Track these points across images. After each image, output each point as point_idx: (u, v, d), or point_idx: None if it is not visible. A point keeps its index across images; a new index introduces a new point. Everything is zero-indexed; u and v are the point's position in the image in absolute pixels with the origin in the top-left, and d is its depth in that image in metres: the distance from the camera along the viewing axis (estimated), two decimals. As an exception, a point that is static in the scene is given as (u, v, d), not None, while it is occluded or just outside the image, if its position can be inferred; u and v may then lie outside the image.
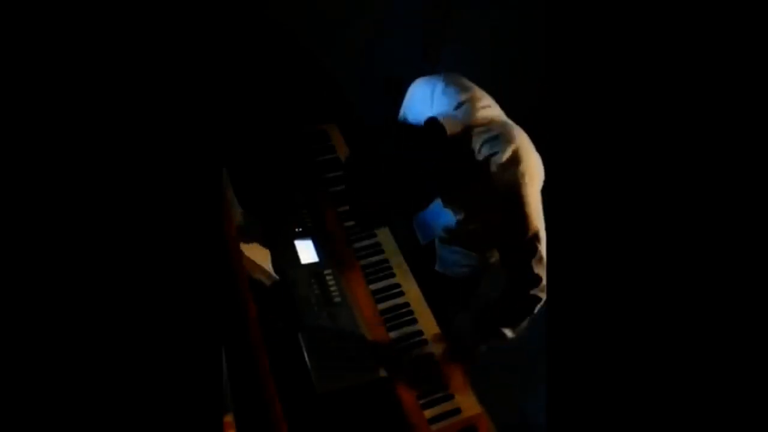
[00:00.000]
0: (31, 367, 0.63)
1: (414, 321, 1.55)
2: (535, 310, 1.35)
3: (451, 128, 1.24)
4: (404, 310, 1.58)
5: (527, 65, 1.32)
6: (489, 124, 1.28)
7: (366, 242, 1.72)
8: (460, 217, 1.40)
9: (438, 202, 1.55)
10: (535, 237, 1.25)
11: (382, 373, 1.40)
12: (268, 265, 1.48)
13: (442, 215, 1.52)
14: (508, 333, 1.39)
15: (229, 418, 0.91)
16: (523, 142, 1.25)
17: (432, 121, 1.24)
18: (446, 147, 1.23)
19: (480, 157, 1.24)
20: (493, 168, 1.22)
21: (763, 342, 0.61)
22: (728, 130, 0.62)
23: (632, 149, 0.68)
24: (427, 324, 1.55)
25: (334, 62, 2.23)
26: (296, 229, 1.68)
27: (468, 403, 1.40)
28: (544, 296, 1.32)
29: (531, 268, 1.28)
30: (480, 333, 1.43)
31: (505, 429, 1.48)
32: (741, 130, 0.62)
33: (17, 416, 0.61)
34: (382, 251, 1.70)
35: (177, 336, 0.68)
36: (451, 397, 1.41)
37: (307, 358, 1.38)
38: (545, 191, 1.24)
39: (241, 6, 1.95)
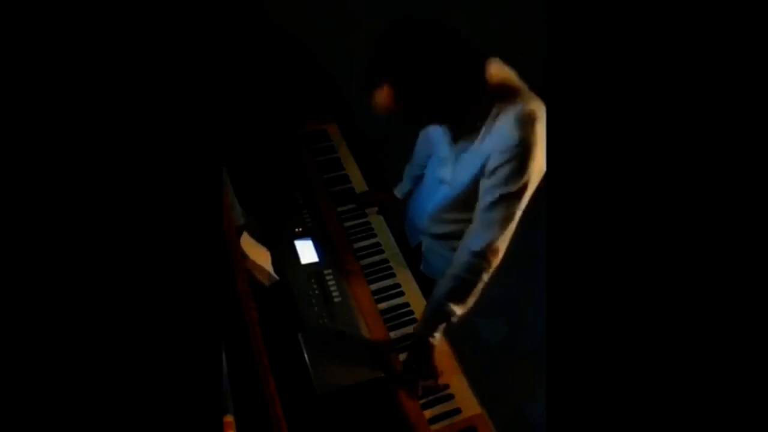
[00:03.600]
0: (31, 367, 0.63)
1: (414, 321, 1.55)
2: (483, 278, 1.32)
3: (490, 68, 1.23)
4: (404, 310, 1.58)
5: (528, 65, 1.32)
6: (513, 81, 1.28)
7: (366, 242, 1.73)
8: (461, 154, 1.37)
9: (425, 188, 1.56)
10: (517, 196, 1.25)
11: (382, 373, 1.40)
12: (268, 265, 1.48)
13: (428, 199, 1.53)
14: (456, 309, 1.34)
15: (229, 418, 0.91)
16: (543, 108, 1.24)
17: (476, 50, 1.21)
18: (481, 82, 1.22)
19: (501, 107, 1.24)
20: (514, 114, 1.21)
21: (763, 342, 0.61)
22: (728, 130, 0.62)
23: (632, 149, 0.68)
24: (427, 324, 1.55)
25: (334, 62, 2.23)
26: (296, 229, 1.68)
27: (468, 403, 1.40)
28: (494, 262, 1.31)
29: (497, 225, 1.27)
30: (428, 315, 1.39)
31: (505, 429, 1.47)
32: (741, 130, 0.62)
33: (17, 416, 0.61)
34: (382, 251, 1.71)
35: (177, 336, 0.68)
36: (451, 397, 1.41)
37: (307, 358, 1.38)
38: (545, 191, 1.24)
39: (240, 6, 1.95)
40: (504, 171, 1.23)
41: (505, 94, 1.24)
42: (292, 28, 2.14)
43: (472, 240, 1.32)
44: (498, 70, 1.27)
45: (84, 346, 0.64)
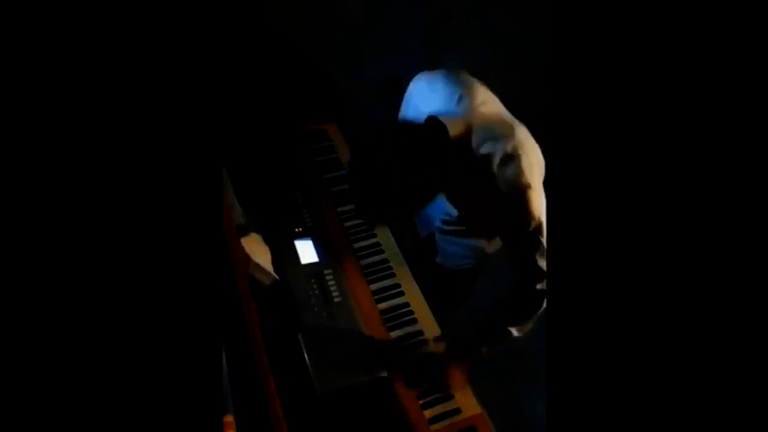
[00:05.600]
0: (31, 367, 0.63)
1: (414, 321, 1.55)
2: (543, 305, 1.33)
3: (452, 128, 1.24)
4: (404, 310, 1.58)
5: (527, 66, 1.32)
6: (488, 119, 1.28)
7: (366, 242, 1.73)
8: (462, 210, 1.40)
9: (437, 203, 1.56)
10: (538, 229, 1.25)
11: (382, 373, 1.40)
12: (268, 265, 1.48)
13: (441, 205, 1.53)
14: (515, 332, 1.37)
15: (229, 418, 0.90)
16: (521, 135, 1.25)
17: (433, 120, 1.23)
18: (447, 148, 1.23)
19: (480, 153, 1.24)
20: (494, 163, 1.22)
21: (763, 342, 0.61)
22: (728, 130, 0.62)
23: (632, 149, 0.68)
24: (427, 324, 1.55)
25: (334, 62, 2.23)
26: (296, 229, 1.68)
27: (468, 403, 1.40)
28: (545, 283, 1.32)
29: (536, 261, 1.28)
30: (486, 334, 1.42)
31: (505, 429, 1.47)
32: (741, 130, 0.62)
33: (17, 416, 0.61)
34: (382, 251, 1.71)
35: (177, 336, 0.68)
36: (451, 397, 1.41)
37: (307, 358, 1.38)
38: (546, 191, 1.25)
39: (240, 6, 1.95)
40: (514, 220, 1.25)
41: (477, 138, 1.25)
42: (292, 28, 2.14)
43: (520, 283, 1.33)
44: (462, 120, 1.27)
45: (84, 346, 0.64)
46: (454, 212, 1.47)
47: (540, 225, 1.25)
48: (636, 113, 0.67)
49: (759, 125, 0.61)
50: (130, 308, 0.66)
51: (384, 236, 1.75)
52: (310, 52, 2.20)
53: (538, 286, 1.30)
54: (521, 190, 1.21)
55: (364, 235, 1.75)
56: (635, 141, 0.67)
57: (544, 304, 1.34)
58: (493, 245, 1.57)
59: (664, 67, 0.65)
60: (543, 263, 1.28)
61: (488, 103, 1.31)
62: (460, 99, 1.29)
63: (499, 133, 1.25)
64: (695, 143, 0.64)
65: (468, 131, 1.26)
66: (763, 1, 0.60)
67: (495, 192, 1.24)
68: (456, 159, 1.25)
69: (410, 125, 1.30)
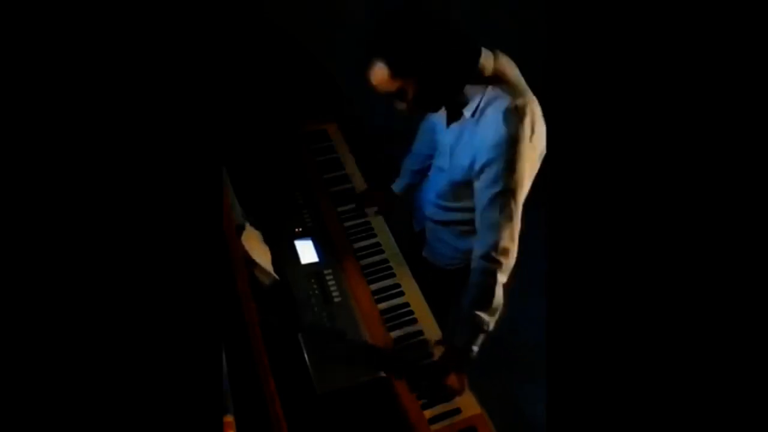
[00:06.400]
0: (31, 367, 0.63)
1: (414, 321, 1.55)
2: (498, 279, 1.32)
3: (484, 60, 1.25)
4: (404, 310, 1.58)
5: (527, 66, 1.32)
6: (514, 77, 1.29)
7: (366, 242, 1.73)
8: (454, 144, 1.39)
9: (431, 179, 1.57)
10: (512, 193, 1.24)
11: (382, 373, 1.40)
12: (268, 265, 1.48)
13: (432, 188, 1.55)
14: (484, 316, 1.35)
15: (229, 418, 0.90)
16: (534, 103, 1.25)
17: (471, 38, 1.23)
18: (474, 69, 1.23)
19: (495, 93, 1.24)
20: (501, 109, 1.21)
21: (763, 342, 0.61)
22: (728, 130, 0.62)
23: (632, 148, 0.68)
24: (427, 324, 1.55)
25: (334, 62, 2.23)
26: (296, 229, 1.68)
27: (468, 403, 1.40)
28: (505, 261, 1.31)
29: (499, 226, 1.27)
30: (462, 328, 1.40)
31: (505, 429, 1.47)
32: (741, 130, 0.62)
33: (17, 416, 0.61)
34: (382, 251, 1.71)
35: (177, 336, 0.68)
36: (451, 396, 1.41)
37: (307, 358, 1.38)
38: (545, 190, 1.24)
39: (240, 6, 1.95)
40: (493, 170, 1.24)
41: (497, 86, 1.25)
42: (292, 28, 2.14)
43: (478, 244, 1.33)
44: (495, 63, 1.28)
45: (84, 346, 0.64)
46: (446, 187, 1.47)
47: (515, 190, 1.24)
48: (636, 113, 0.67)
49: (759, 125, 0.61)
50: (130, 308, 0.66)
51: (384, 236, 1.75)
52: (310, 52, 2.20)
53: (492, 253, 1.29)
54: (515, 141, 1.20)
55: (364, 235, 1.75)
56: (635, 140, 0.67)
57: (500, 279, 1.32)
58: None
59: (664, 68, 0.65)
60: (504, 231, 1.27)
61: (514, 69, 1.32)
62: (495, 54, 1.30)
63: (517, 88, 1.25)
64: (695, 144, 0.64)
65: (497, 72, 1.26)
66: (763, 1, 0.60)
67: (491, 135, 1.23)
68: (474, 83, 1.25)
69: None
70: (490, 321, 1.37)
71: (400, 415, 1.35)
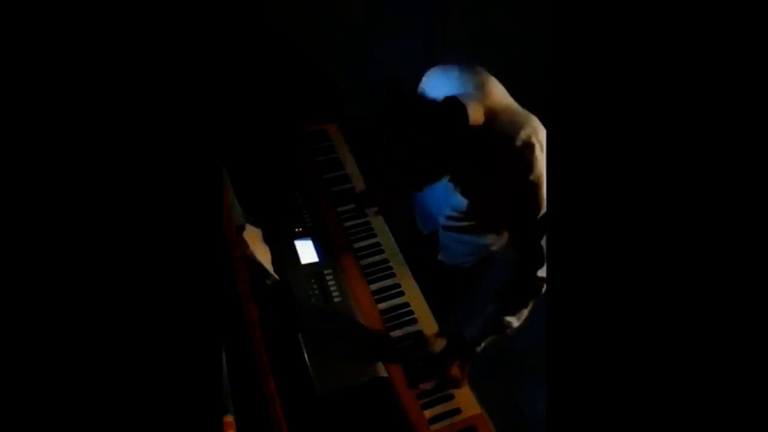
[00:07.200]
0: (31, 367, 0.63)
1: (414, 321, 1.55)
2: (542, 293, 1.34)
3: (472, 109, 1.21)
4: (404, 310, 1.58)
5: (527, 66, 1.32)
6: (509, 105, 1.28)
7: (366, 242, 1.73)
8: (470, 196, 1.39)
9: (439, 188, 1.56)
10: (544, 217, 1.26)
11: (382, 373, 1.40)
12: (268, 265, 1.48)
13: (445, 200, 1.52)
14: (513, 322, 1.37)
15: (229, 418, 0.90)
16: (536, 124, 1.25)
17: (452, 100, 1.17)
18: (464, 128, 1.19)
19: (497, 138, 1.23)
20: (512, 149, 1.21)
21: (763, 342, 0.61)
22: (728, 131, 0.62)
23: (632, 149, 0.68)
24: (427, 324, 1.55)
25: (334, 62, 2.23)
26: (296, 229, 1.68)
27: (468, 403, 1.40)
28: (543, 286, 1.33)
29: (541, 247, 1.28)
30: (484, 326, 1.41)
31: (505, 429, 1.47)
32: (741, 131, 0.62)
33: (17, 416, 0.61)
34: (382, 251, 1.71)
35: (177, 336, 0.68)
36: (451, 397, 1.41)
37: (307, 358, 1.38)
38: (546, 190, 1.25)
39: (240, 6, 1.95)
40: (525, 209, 1.24)
41: (494, 127, 1.24)
42: (292, 28, 2.14)
43: (521, 269, 1.33)
44: (485, 100, 1.25)
45: (84, 346, 0.64)
46: (462, 205, 1.47)
47: (545, 213, 1.25)
48: (636, 113, 0.67)
49: (759, 125, 0.61)
50: (130, 308, 0.66)
51: (384, 236, 1.75)
52: (310, 52, 2.20)
53: (539, 273, 1.30)
54: (537, 177, 1.21)
55: (364, 235, 1.75)
56: (635, 141, 0.67)
57: (543, 290, 1.34)
58: (499, 242, 1.56)
59: (664, 68, 0.65)
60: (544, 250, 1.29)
61: (503, 94, 1.31)
62: (478, 85, 1.27)
63: (518, 119, 1.24)
64: (695, 144, 0.64)
65: (489, 114, 1.24)
66: (763, 1, 0.60)
67: (509, 178, 1.23)
68: (471, 140, 1.23)
69: (427, 101, 1.23)
70: (516, 325, 1.38)
71: (400, 415, 1.35)
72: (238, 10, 1.94)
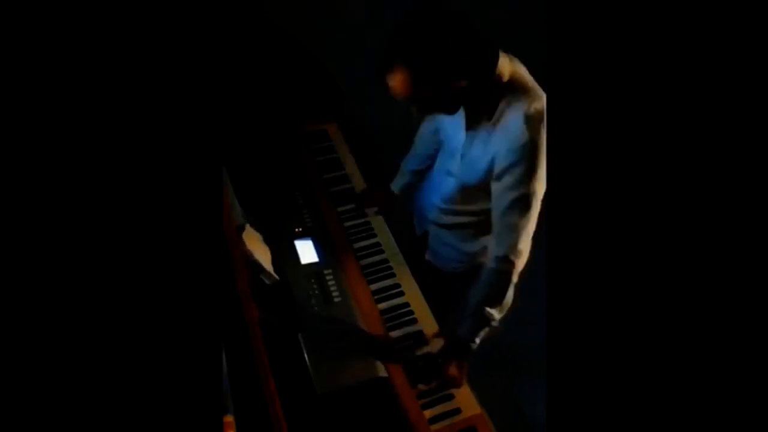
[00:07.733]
0: (31, 367, 0.63)
1: (414, 321, 1.55)
2: (512, 279, 1.34)
3: (503, 63, 1.24)
4: (404, 310, 1.58)
5: (527, 66, 1.32)
6: (530, 81, 1.29)
7: (366, 242, 1.73)
8: (469, 131, 1.38)
9: (436, 176, 1.56)
10: (532, 196, 1.26)
11: (382, 373, 1.40)
12: (268, 265, 1.48)
13: (437, 190, 1.54)
14: (495, 314, 1.38)
15: (229, 418, 0.90)
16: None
17: (491, 42, 1.21)
18: (491, 74, 1.22)
19: (513, 97, 1.24)
20: (521, 111, 1.21)
21: (763, 342, 0.61)
22: (728, 131, 0.62)
23: (633, 148, 0.68)
24: (427, 324, 1.55)
25: (334, 62, 2.23)
26: (296, 229, 1.68)
27: (468, 403, 1.40)
28: (519, 263, 1.33)
29: (517, 228, 1.28)
30: (471, 321, 1.41)
31: (505, 429, 1.47)
32: (741, 131, 0.62)
33: (17, 416, 0.61)
34: (382, 251, 1.71)
35: (177, 336, 0.68)
36: (451, 397, 1.41)
37: (307, 358, 1.38)
38: (547, 189, 1.25)
39: (240, 6, 1.95)
40: (515, 173, 1.24)
41: (514, 90, 1.25)
42: (292, 28, 2.14)
43: (496, 246, 1.34)
44: (511, 66, 1.27)
45: (84, 346, 0.64)
46: (453, 193, 1.47)
47: (536, 194, 1.25)
48: (637, 113, 0.67)
49: (759, 125, 0.61)
50: (130, 308, 0.66)
51: (384, 236, 1.75)
52: (310, 52, 2.20)
53: (510, 256, 1.31)
54: (536, 145, 1.21)
55: (364, 235, 1.75)
56: (636, 140, 0.67)
57: (514, 279, 1.35)
58: (485, 253, 1.57)
59: (665, 68, 0.65)
60: (523, 236, 1.29)
61: (528, 74, 1.31)
62: (511, 58, 1.29)
63: (539, 94, 1.25)
64: (695, 144, 0.64)
65: (514, 76, 1.26)
66: (763, 1, 0.60)
67: (510, 141, 1.23)
68: (490, 90, 1.24)
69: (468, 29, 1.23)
70: (498, 316, 1.39)
71: (400, 415, 1.35)
72: (238, 10, 1.94)
